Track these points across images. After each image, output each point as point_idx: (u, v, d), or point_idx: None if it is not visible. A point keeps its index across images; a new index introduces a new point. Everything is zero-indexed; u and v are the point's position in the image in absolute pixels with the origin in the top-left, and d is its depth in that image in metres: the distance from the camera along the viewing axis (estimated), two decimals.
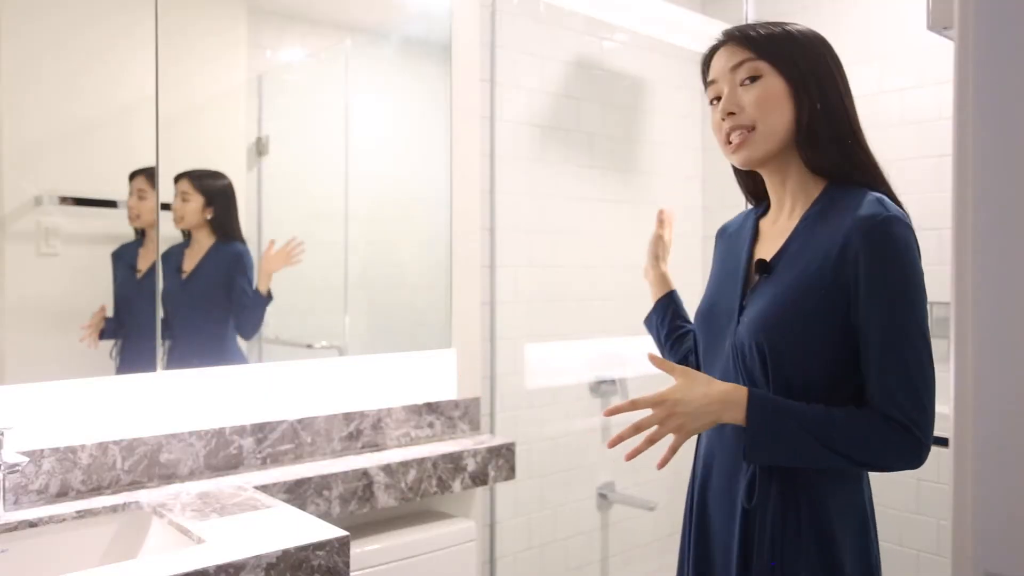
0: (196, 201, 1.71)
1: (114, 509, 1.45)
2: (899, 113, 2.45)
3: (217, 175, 1.75)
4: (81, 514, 1.41)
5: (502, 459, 2.02)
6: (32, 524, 1.36)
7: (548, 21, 2.45)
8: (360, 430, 1.91)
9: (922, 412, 1.02)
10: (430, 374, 2.07)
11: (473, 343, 2.18)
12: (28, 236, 1.48)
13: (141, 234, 1.63)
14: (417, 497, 1.85)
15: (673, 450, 1.07)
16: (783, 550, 1.07)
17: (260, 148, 1.80)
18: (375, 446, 1.93)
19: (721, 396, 1.07)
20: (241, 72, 1.78)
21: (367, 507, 1.75)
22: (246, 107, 1.79)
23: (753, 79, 1.13)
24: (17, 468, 1.35)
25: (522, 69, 2.37)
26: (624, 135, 2.70)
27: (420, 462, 1.85)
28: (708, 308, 1.24)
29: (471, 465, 1.95)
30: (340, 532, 1.32)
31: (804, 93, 1.11)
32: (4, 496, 1.38)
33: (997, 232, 0.61)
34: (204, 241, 1.73)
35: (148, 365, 1.62)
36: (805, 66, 1.12)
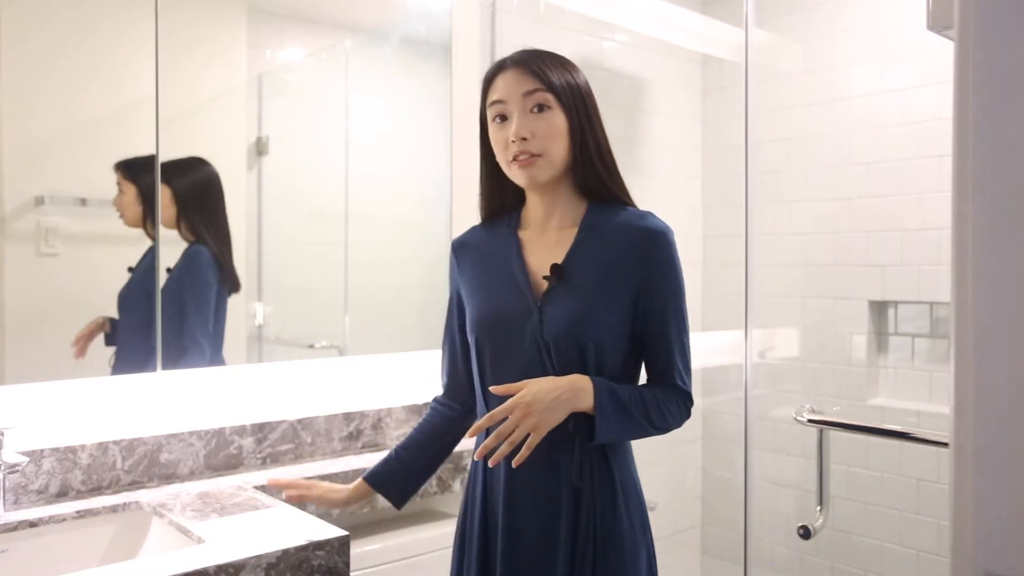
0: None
1: (114, 509, 1.45)
2: (899, 113, 2.45)
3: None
4: (81, 514, 1.41)
5: None
6: (32, 524, 1.36)
7: (548, 21, 2.45)
8: (360, 430, 1.91)
9: (690, 378, 1.29)
10: (430, 374, 2.06)
11: None
12: (28, 236, 1.48)
13: None
14: (417, 497, 1.84)
15: (530, 447, 1.14)
16: (607, 520, 1.22)
17: (260, 148, 1.80)
18: (375, 446, 1.93)
19: (570, 386, 1.17)
20: (241, 72, 1.78)
21: (367, 507, 1.75)
22: (246, 107, 1.78)
23: (542, 108, 1.25)
24: (17, 468, 1.35)
25: None
26: (624, 135, 2.69)
27: None
28: (493, 315, 1.29)
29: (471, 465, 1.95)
30: (340, 532, 1.32)
31: (578, 129, 1.27)
32: (4, 496, 1.39)
33: (997, 232, 0.61)
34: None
35: (148, 365, 1.62)
36: (579, 104, 1.28)
